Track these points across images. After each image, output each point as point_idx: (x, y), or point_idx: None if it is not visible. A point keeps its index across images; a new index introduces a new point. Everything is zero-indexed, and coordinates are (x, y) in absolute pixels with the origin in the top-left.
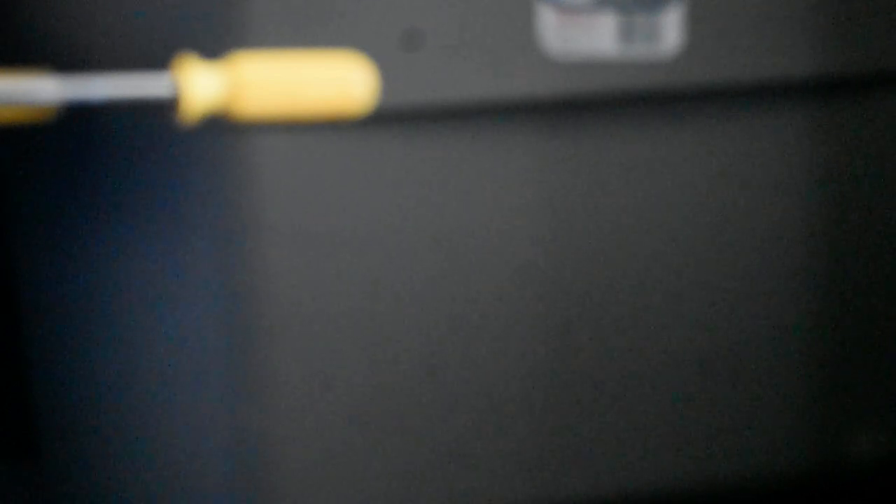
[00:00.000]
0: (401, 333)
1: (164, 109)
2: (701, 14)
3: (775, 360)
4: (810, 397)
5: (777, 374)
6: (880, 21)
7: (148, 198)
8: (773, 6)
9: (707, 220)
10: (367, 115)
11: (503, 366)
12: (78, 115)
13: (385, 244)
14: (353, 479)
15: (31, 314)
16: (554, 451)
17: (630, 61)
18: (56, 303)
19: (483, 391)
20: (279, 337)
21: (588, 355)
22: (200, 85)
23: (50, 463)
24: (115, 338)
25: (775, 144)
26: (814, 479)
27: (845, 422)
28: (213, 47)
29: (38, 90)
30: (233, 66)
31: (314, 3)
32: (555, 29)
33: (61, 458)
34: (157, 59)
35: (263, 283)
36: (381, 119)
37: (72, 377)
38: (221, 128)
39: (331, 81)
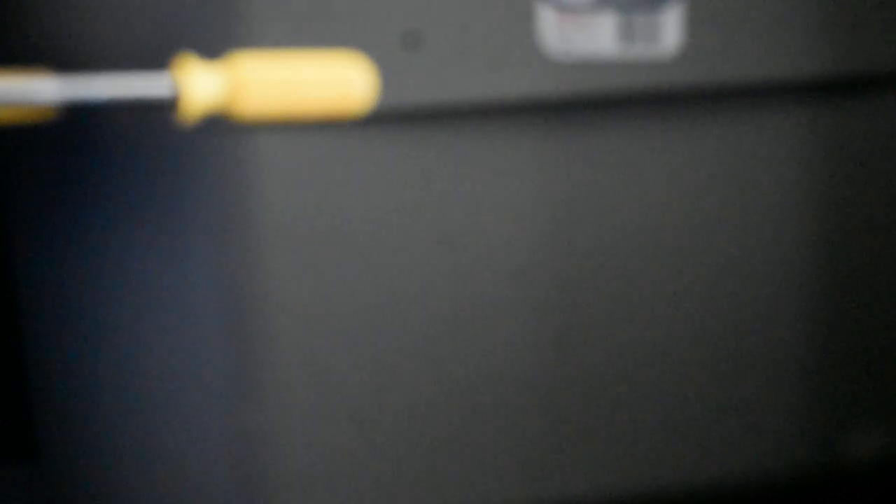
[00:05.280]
0: (401, 333)
1: (164, 109)
2: (701, 14)
3: (775, 359)
4: (810, 397)
5: (776, 374)
6: (880, 21)
7: (148, 197)
8: (773, 6)
9: (706, 220)
10: (367, 115)
11: (503, 365)
12: (78, 115)
13: (385, 244)
14: (353, 479)
15: (31, 314)
16: (554, 451)
17: (630, 61)
18: (56, 303)
19: (483, 391)
20: (279, 337)
21: (588, 355)
22: (200, 85)
23: (49, 464)
24: (114, 338)
25: (775, 144)
26: (813, 479)
27: (845, 422)
28: (213, 47)
29: (38, 90)
30: (233, 66)
31: (314, 3)
32: (555, 29)
33: (61, 459)
34: (157, 59)
35: (263, 283)
36: (381, 119)
37: (72, 377)
38: (221, 128)
39: (331, 81)
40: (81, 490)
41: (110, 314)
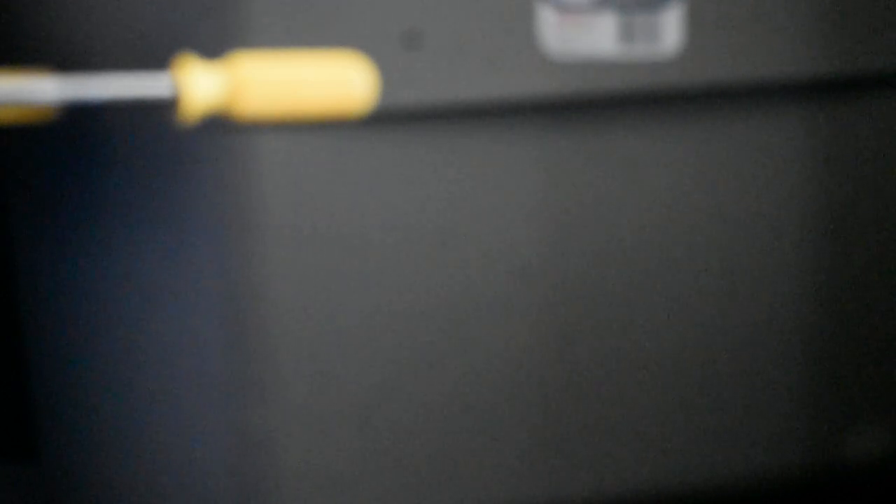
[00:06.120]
0: (401, 333)
1: (164, 109)
2: (701, 14)
3: (774, 359)
4: (809, 397)
5: (776, 374)
6: (880, 21)
7: (148, 197)
8: (773, 6)
9: (706, 220)
10: (367, 115)
11: (503, 365)
12: (78, 115)
13: (385, 244)
14: (353, 479)
15: (31, 314)
16: (553, 451)
17: (630, 61)
18: (56, 303)
19: (483, 391)
20: (279, 337)
21: (588, 355)
22: (200, 85)
23: (50, 464)
24: (115, 338)
25: (775, 144)
26: (813, 479)
27: (844, 421)
28: (213, 47)
29: (38, 90)
30: (233, 66)
31: (314, 3)
32: (555, 29)
33: (61, 458)
34: (157, 59)
35: (263, 283)
36: (381, 119)
37: (72, 377)
38: (221, 128)
39: (331, 81)
40: (81, 490)
41: (110, 314)
